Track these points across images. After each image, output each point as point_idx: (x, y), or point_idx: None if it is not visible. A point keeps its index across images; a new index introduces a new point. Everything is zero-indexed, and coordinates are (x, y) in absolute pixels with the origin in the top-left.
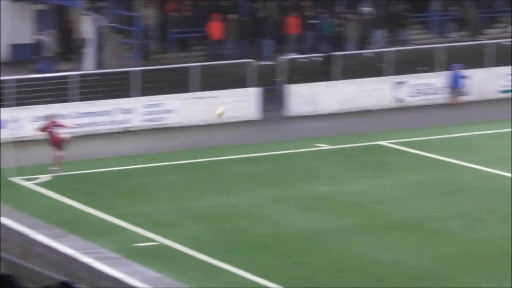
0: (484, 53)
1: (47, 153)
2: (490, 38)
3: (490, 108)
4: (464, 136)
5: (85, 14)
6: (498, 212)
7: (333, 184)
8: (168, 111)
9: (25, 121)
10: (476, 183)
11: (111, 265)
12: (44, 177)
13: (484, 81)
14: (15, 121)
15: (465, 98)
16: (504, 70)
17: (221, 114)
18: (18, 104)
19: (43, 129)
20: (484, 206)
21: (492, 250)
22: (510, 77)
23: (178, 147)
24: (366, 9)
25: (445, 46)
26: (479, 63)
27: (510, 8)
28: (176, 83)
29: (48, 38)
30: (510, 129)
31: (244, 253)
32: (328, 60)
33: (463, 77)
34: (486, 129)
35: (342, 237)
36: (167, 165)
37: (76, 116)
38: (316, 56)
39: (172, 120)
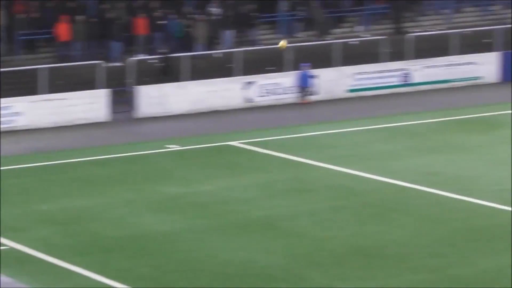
0: (331, 53)
1: None
2: (338, 38)
3: (338, 107)
4: (313, 135)
5: None
6: (347, 210)
7: (184, 185)
8: (16, 113)
9: None
10: (326, 182)
11: None
12: None
13: (332, 81)
14: None
15: (313, 98)
16: (351, 69)
17: (283, 46)
18: None
19: None
20: (334, 204)
21: (341, 248)
22: (357, 76)
23: (26, 150)
24: (214, 9)
25: (293, 46)
26: (327, 62)
27: (356, 8)
28: (24, 85)
29: None
30: (358, 128)
31: (96, 255)
32: (166, 61)
33: (311, 76)
34: (334, 128)
35: (193, 238)
36: (16, 168)
37: None
38: (164, 57)
39: (20, 122)
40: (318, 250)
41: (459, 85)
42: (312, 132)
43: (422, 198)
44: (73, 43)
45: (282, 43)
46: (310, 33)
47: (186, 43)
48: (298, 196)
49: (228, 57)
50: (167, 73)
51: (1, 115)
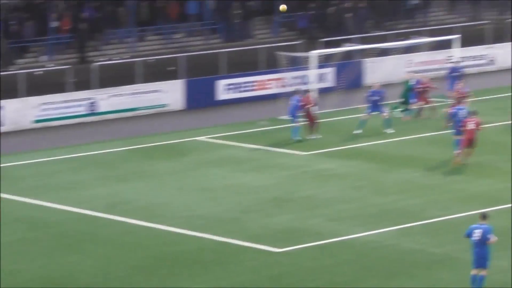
0: (16, 84)
1: None
2: (22, 68)
3: (25, 138)
4: (1, 167)
5: None
6: (37, 242)
7: None
8: None
9: None
10: (15, 214)
11: None
12: None
13: (17, 111)
14: None
15: None
16: (37, 100)
17: (283, 9)
18: None
19: None
20: (24, 236)
21: (31, 280)
22: (43, 107)
23: None
24: None
25: None
26: (12, 93)
27: (40, 38)
28: None
29: None
30: (46, 158)
31: None
32: None
33: None
34: (21, 159)
35: None
36: None
37: None
38: None
39: None
40: (6, 284)
41: (146, 113)
42: None
43: (113, 227)
44: None
45: (282, 6)
46: None
47: None
48: None
49: None
50: None
51: None
